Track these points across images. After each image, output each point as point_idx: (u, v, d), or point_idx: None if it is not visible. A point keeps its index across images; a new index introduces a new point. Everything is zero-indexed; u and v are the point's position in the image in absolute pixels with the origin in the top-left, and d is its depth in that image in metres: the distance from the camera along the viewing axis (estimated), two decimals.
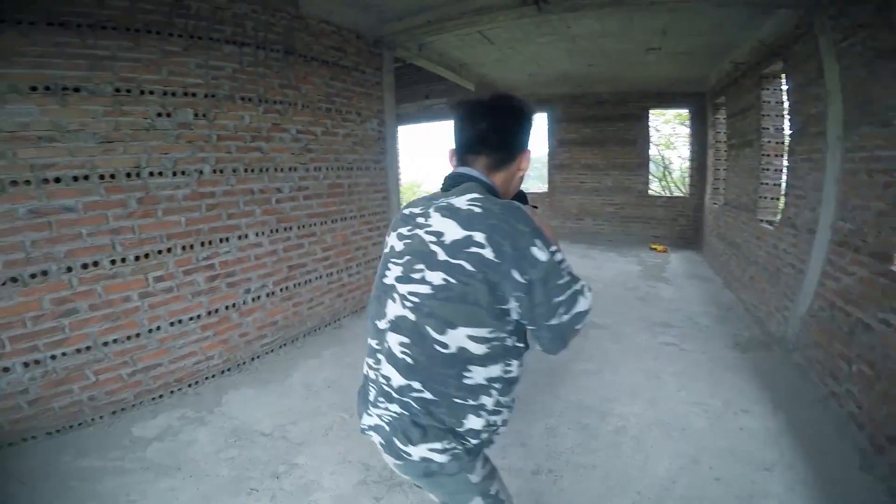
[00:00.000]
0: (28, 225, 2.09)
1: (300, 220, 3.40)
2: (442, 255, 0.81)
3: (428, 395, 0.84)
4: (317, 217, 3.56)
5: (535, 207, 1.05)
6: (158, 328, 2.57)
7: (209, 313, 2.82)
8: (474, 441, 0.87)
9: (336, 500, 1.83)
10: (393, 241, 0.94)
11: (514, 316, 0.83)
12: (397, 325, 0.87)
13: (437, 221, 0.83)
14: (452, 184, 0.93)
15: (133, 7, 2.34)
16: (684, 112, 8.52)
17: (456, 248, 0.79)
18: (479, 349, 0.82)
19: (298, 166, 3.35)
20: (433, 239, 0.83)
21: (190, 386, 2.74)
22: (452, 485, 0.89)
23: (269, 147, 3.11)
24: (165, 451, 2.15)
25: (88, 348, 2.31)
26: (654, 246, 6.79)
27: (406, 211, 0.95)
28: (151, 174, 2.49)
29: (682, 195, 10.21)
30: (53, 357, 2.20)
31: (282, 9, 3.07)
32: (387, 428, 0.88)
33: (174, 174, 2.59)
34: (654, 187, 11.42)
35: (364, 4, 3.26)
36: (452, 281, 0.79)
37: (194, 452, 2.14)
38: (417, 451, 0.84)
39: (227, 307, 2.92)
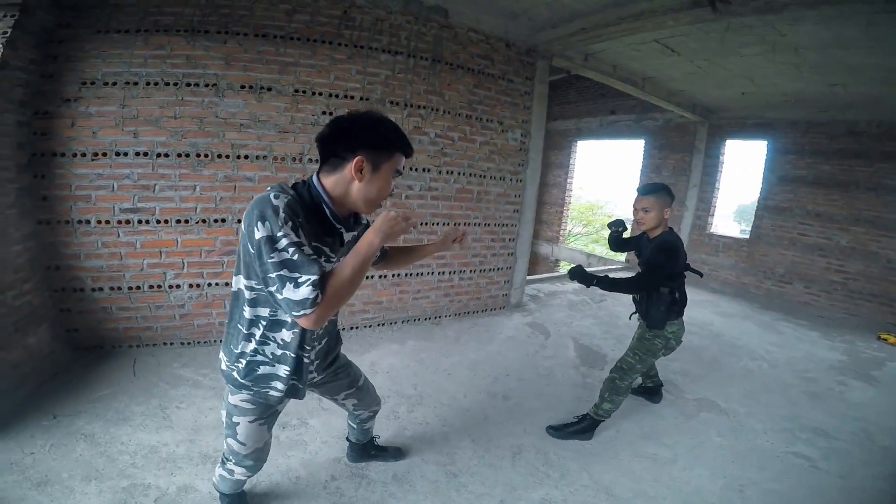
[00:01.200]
0: (221, 185, 2.90)
1: (424, 217, 3.68)
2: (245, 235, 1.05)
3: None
4: (440, 217, 3.77)
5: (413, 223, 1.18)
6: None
7: None
8: (241, 364, 1.22)
9: (303, 464, 1.98)
10: None
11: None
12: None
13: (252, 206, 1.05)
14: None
15: (313, 20, 2.95)
16: None
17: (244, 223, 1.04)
18: (249, 294, 1.13)
19: (432, 168, 3.62)
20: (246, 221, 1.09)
21: None
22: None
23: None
24: None
25: None
26: (885, 335, 4.74)
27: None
28: (311, 160, 3.10)
29: None
30: (209, 284, 2.99)
31: (432, 18, 3.36)
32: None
33: None
34: None
35: (512, 13, 3.26)
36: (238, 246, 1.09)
37: None
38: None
39: None
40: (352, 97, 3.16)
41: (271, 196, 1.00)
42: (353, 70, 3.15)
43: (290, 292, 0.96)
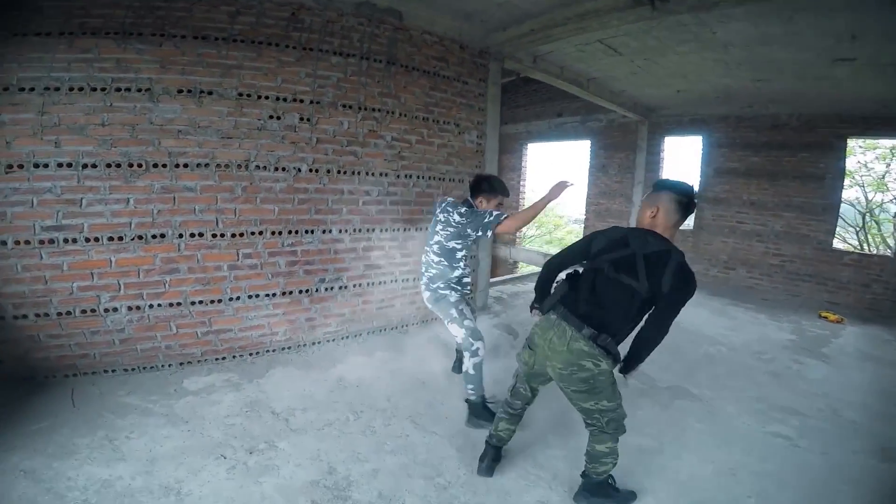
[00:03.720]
0: (158, 197, 2.65)
1: (384, 223, 3.56)
2: (455, 218, 2.34)
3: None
4: (401, 223, 3.68)
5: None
6: (238, 298, 2.97)
7: (283, 294, 3.15)
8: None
9: (279, 490, 1.84)
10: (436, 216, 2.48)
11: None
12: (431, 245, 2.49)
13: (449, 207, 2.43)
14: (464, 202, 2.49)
15: (258, 22, 2.79)
16: None
17: (450, 214, 2.37)
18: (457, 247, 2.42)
19: (389, 172, 3.52)
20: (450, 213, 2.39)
21: (250, 355, 3.10)
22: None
23: (363, 152, 3.35)
24: (191, 406, 2.43)
25: (179, 304, 2.80)
26: (825, 314, 5.17)
27: (444, 204, 2.49)
28: (257, 167, 2.91)
29: (884, 254, 7.63)
30: (151, 306, 2.73)
31: (386, 20, 3.29)
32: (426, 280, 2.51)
33: (275, 169, 2.97)
34: (844, 239, 8.85)
35: (466, 13, 3.27)
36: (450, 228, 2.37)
37: (209, 412, 2.38)
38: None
39: (300, 291, 3.22)
40: (301, 100, 3.01)
41: (456, 202, 2.47)
42: (303, 73, 3.00)
43: (490, 218, 2.21)
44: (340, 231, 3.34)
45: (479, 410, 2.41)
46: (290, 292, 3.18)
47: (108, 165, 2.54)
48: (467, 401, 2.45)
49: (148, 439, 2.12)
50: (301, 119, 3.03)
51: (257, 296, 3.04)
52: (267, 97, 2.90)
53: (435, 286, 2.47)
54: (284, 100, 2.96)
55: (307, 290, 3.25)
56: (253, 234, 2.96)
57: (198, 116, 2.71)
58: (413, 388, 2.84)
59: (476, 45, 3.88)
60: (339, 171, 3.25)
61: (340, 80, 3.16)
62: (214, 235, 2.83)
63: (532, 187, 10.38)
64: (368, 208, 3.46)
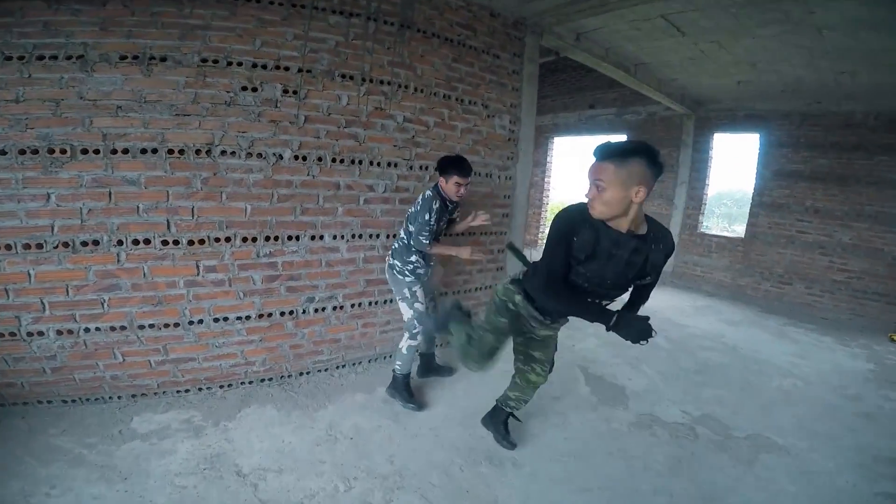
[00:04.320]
0: (89, 193, 1.99)
1: (392, 227, 2.86)
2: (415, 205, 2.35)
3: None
4: None
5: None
6: (200, 321, 2.32)
7: (260, 316, 2.48)
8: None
9: None
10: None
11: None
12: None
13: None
14: None
15: None
16: None
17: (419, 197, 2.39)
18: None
19: (400, 162, 2.82)
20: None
21: (220, 387, 2.47)
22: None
23: (366, 135, 2.65)
24: (133, 455, 1.93)
25: (123, 328, 2.16)
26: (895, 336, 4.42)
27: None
28: (223, 153, 2.24)
29: None
30: (87, 330, 2.10)
31: None
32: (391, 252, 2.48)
33: (249, 156, 2.30)
34: None
35: None
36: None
37: (157, 467, 1.87)
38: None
39: (282, 313, 2.55)
40: (286, 67, 2.33)
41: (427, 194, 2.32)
42: (290, 34, 2.31)
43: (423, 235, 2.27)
44: (335, 237, 2.65)
45: (400, 387, 2.47)
46: (270, 314, 2.51)
47: (22, 152, 1.90)
48: (393, 370, 2.49)
49: (72, 499, 1.67)
50: (285, 91, 2.34)
51: (226, 319, 2.38)
52: (240, 63, 2.21)
53: (394, 262, 2.41)
54: (264, 67, 2.27)
55: (291, 312, 2.59)
56: (218, 240, 2.29)
57: (145, 89, 2.04)
58: (422, 442, 2.19)
59: (510, 14, 3.14)
60: (333, 160, 2.55)
61: (339, 45, 2.45)
62: (166, 243, 2.17)
63: (557, 184, 9.58)
64: (372, 208, 2.76)
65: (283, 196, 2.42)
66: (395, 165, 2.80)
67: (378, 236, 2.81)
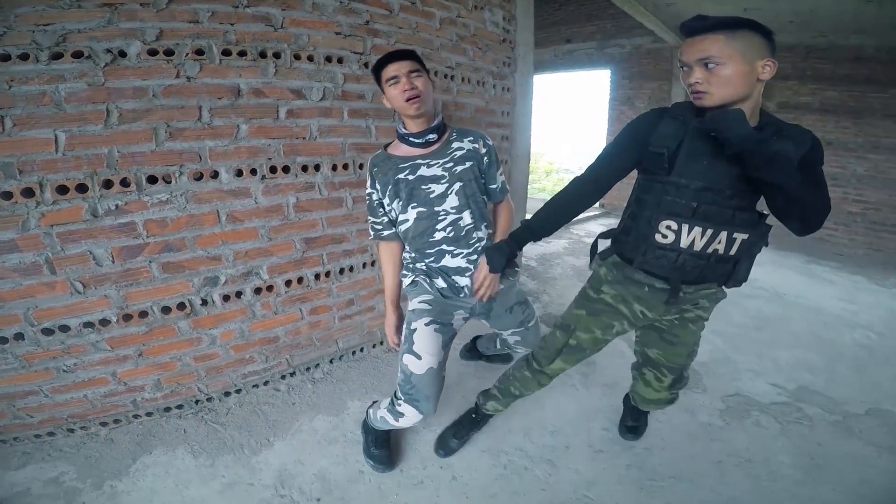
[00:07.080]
0: None
1: (336, 154, 1.85)
2: None
3: None
4: (372, 152, 1.92)
5: None
6: (19, 337, 1.34)
7: (126, 317, 1.51)
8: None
9: None
10: None
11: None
12: None
13: None
14: None
15: None
16: None
17: None
18: None
19: (347, 56, 1.78)
20: None
21: (103, 425, 1.57)
22: None
23: (285, 16, 1.61)
24: None
25: None
26: None
27: None
28: (5, 57, 1.21)
29: None
30: None
31: None
32: None
33: (57, 56, 1.27)
34: None
35: None
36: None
37: None
38: None
39: (164, 309, 1.58)
40: None
41: None
42: None
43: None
44: (238, 173, 1.63)
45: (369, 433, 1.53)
46: (142, 313, 1.55)
47: None
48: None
49: None
50: None
51: (64, 328, 1.41)
52: None
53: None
54: None
55: (182, 305, 1.62)
56: (7, 196, 1.29)
57: None
58: (435, 493, 1.37)
59: None
60: (226, 52, 1.52)
61: None
62: None
63: (537, 125, 8.68)
64: (301, 123, 1.74)
65: (128, 113, 1.40)
66: (340, 61, 1.76)
67: (319, 168, 1.82)
